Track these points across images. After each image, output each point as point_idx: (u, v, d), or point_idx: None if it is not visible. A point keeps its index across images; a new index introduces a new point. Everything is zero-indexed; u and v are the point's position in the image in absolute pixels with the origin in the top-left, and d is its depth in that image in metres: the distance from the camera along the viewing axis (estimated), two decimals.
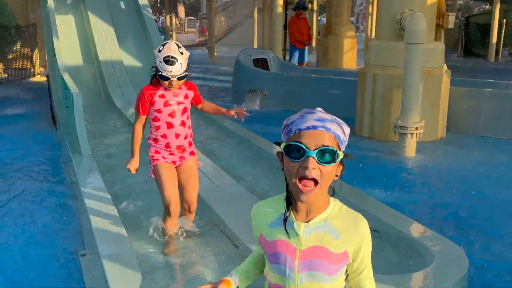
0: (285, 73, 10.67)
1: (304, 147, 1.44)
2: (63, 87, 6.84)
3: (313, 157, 1.44)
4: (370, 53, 7.63)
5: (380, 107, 7.28)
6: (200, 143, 6.15)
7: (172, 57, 3.33)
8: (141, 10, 10.43)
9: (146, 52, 9.83)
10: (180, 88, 3.53)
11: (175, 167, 3.66)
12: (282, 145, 1.50)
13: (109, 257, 3.11)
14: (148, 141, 3.65)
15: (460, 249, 3.21)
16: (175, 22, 23.82)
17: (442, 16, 7.44)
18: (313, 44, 18.53)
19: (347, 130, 1.53)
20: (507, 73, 12.78)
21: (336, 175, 1.53)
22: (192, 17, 37.14)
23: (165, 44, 3.42)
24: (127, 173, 3.69)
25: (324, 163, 1.45)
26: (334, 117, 1.52)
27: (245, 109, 3.85)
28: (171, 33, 21.80)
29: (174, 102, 3.52)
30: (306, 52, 12.57)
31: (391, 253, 3.54)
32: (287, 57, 13.23)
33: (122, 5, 10.73)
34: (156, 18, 25.98)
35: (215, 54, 19.22)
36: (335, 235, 1.53)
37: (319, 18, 23.32)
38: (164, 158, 3.60)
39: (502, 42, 16.99)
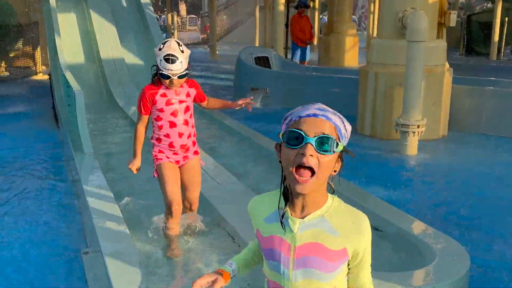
0: (287, 72, 10.67)
1: (303, 134, 1.42)
2: (65, 85, 6.85)
3: (312, 144, 1.41)
4: (372, 51, 7.63)
5: (382, 105, 7.28)
6: (201, 141, 6.16)
7: (172, 55, 3.29)
8: (142, 8, 10.44)
9: (148, 50, 9.83)
10: (181, 86, 3.49)
11: (179, 167, 3.64)
12: (281, 133, 1.47)
13: (112, 255, 3.11)
14: (151, 141, 3.62)
15: (461, 247, 3.21)
16: (177, 21, 23.82)
17: (444, 14, 7.43)
18: (315, 43, 18.52)
19: (348, 126, 1.51)
20: (509, 71, 12.76)
21: (335, 171, 1.50)
22: (193, 15, 37.15)
23: (165, 42, 3.38)
24: (129, 171, 3.69)
25: (323, 151, 1.42)
26: (337, 112, 1.51)
27: (251, 98, 3.81)
28: (172, 31, 21.79)
29: (176, 101, 3.49)
30: (308, 50, 12.56)
31: (392, 251, 3.54)
32: (289, 56, 13.22)
33: (124, 3, 10.74)
34: (158, 17, 25.98)
35: (217, 52, 19.22)
36: (333, 231, 1.49)
37: (320, 16, 23.29)
38: (168, 157, 3.57)
39: (504, 41, 16.96)
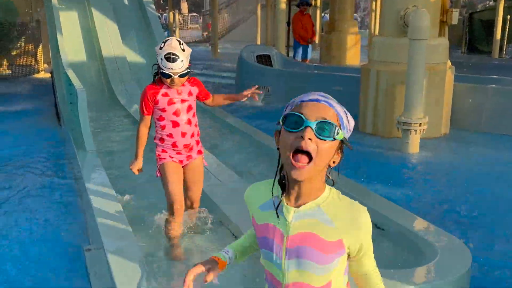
0: (289, 70, 10.67)
1: (303, 117, 1.39)
2: (67, 83, 6.87)
3: (312, 128, 1.38)
4: (374, 49, 7.62)
5: (384, 104, 7.28)
6: (203, 139, 6.16)
7: (173, 54, 3.24)
8: (144, 7, 10.45)
9: (150, 49, 9.84)
10: (183, 85, 3.44)
11: (182, 166, 3.60)
12: (281, 117, 1.44)
13: (114, 252, 3.12)
14: (154, 141, 3.58)
15: (463, 245, 3.21)
16: (178, 19, 23.83)
17: (446, 12, 7.43)
18: (316, 41, 18.52)
19: (351, 119, 1.48)
20: (511, 69, 12.74)
21: (334, 162, 1.46)
22: (195, 14, 37.14)
23: (166, 41, 3.33)
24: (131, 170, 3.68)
25: (322, 137, 1.38)
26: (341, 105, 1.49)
27: (256, 87, 3.74)
28: (174, 29, 21.79)
29: (178, 100, 3.44)
30: (310, 48, 12.55)
31: (394, 248, 3.55)
32: (291, 54, 13.22)
33: (126, 1, 10.75)
34: (159, 15, 25.97)
35: (218, 50, 19.21)
36: (329, 222, 1.45)
37: (322, 14, 23.26)
38: (171, 157, 3.53)
39: (506, 38, 16.93)
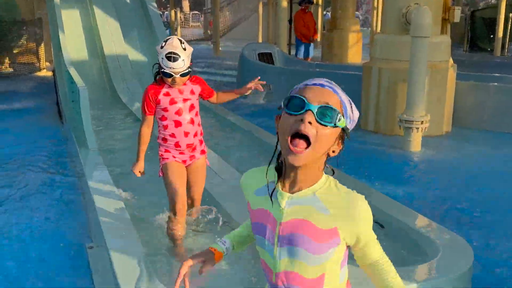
0: (290, 68, 10.67)
1: (305, 100, 1.35)
2: (69, 81, 6.87)
3: (313, 112, 1.34)
4: (376, 47, 7.62)
5: (385, 101, 7.28)
6: (205, 137, 6.17)
7: (174, 53, 3.20)
8: (146, 5, 10.46)
9: (151, 47, 9.84)
10: (185, 84, 3.40)
11: (186, 166, 3.56)
12: (284, 100, 1.40)
13: (117, 249, 3.13)
14: (157, 141, 3.54)
15: (465, 242, 3.21)
16: (180, 17, 23.80)
17: (448, 10, 7.42)
18: (318, 39, 18.52)
19: (356, 111, 1.44)
20: None
21: (334, 151, 1.42)
22: (196, 12, 37.12)
23: (167, 40, 3.27)
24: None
25: (323, 122, 1.34)
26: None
27: (258, 78, 3.68)
28: (176, 27, 21.78)
29: (180, 100, 3.39)
30: (311, 46, 12.55)
31: (396, 245, 3.55)
32: (292, 52, 13.21)
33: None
34: (161, 13, 25.98)
35: (220, 48, 19.21)
36: (323, 209, 1.40)
37: (324, 12, 23.24)
38: (174, 157, 3.49)
39: (508, 36, 16.91)
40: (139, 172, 3.54)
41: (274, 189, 1.45)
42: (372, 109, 7.44)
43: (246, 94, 3.70)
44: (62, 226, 4.27)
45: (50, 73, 12.16)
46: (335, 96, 1.39)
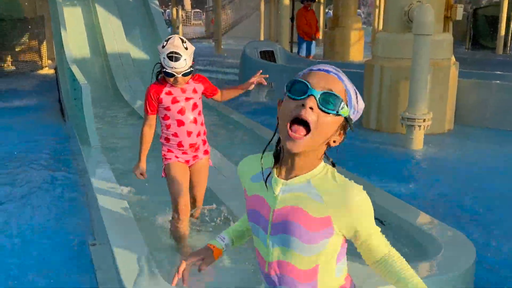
0: (292, 65, 10.66)
1: (309, 85, 1.30)
2: (71, 79, 6.88)
3: (315, 98, 1.29)
4: (377, 45, 7.61)
5: (387, 99, 7.27)
6: (207, 134, 6.18)
7: (176, 53, 3.15)
8: (148, 3, 10.46)
9: (153, 45, 9.84)
10: (187, 83, 3.36)
11: (188, 166, 3.53)
12: (286, 84, 1.35)
13: (120, 246, 3.14)
14: (160, 140, 3.51)
15: (467, 239, 3.22)
16: (181, 15, 23.77)
17: (451, 7, 7.41)
18: (320, 37, 18.51)
19: (361, 101, 1.40)
20: None
21: (334, 141, 1.37)
22: (198, 10, 37.09)
23: (169, 39, 3.22)
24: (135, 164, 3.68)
25: (325, 109, 1.30)
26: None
27: (260, 72, 3.64)
28: (177, 25, 21.77)
29: (182, 98, 3.35)
30: (313, 44, 12.54)
31: (398, 243, 3.55)
32: (294, 50, 13.20)
33: None
34: (163, 11, 25.95)
35: (222, 46, 19.20)
36: (317, 197, 1.35)
37: (326, 10, 23.22)
38: (177, 157, 3.45)
39: (510, 34, 16.86)
40: (140, 174, 3.48)
41: (269, 175, 1.41)
42: (374, 107, 7.43)
43: (250, 89, 3.67)
44: (65, 223, 4.28)
45: (52, 71, 12.17)
46: (340, 83, 1.34)
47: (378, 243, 1.43)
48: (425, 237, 3.35)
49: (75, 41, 9.51)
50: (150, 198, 4.45)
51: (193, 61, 3.31)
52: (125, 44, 9.84)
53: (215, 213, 3.93)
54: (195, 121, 3.42)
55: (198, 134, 3.47)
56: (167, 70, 3.21)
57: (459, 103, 7.56)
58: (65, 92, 8.08)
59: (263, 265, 1.46)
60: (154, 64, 3.46)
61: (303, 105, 1.29)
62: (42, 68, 13.71)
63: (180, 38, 3.25)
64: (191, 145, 3.45)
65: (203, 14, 34.95)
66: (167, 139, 3.45)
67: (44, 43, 13.83)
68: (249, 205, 1.48)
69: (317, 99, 1.29)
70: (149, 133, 3.42)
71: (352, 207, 1.33)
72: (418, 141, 6.46)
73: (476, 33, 18.34)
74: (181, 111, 3.36)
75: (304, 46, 12.36)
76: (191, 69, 3.27)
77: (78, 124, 6.28)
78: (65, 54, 7.98)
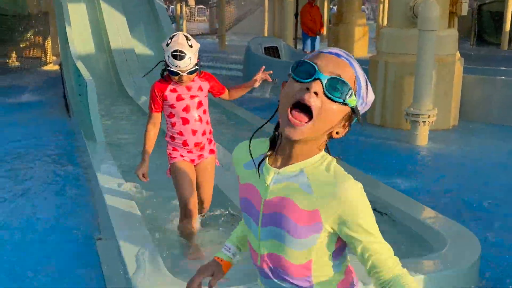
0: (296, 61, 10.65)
1: (316, 67, 1.18)
2: (76, 75, 6.90)
3: (321, 82, 1.17)
4: (382, 40, 7.60)
5: (392, 95, 7.26)
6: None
7: (180, 51, 3.09)
8: None
9: (158, 41, 9.87)
10: (193, 80, 3.31)
11: (194, 165, 3.48)
12: (292, 64, 1.24)
13: (126, 241, 3.15)
14: (165, 139, 3.48)
15: (472, 234, 3.22)
16: (185, 11, 23.79)
17: (455, 3, 7.39)
18: (324, 33, 18.48)
19: (371, 92, 1.28)
20: None
21: (338, 133, 1.25)
22: (202, 6, 37.06)
23: (173, 36, 3.15)
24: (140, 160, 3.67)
25: (332, 95, 1.18)
26: None
27: (263, 69, 3.59)
28: (181, 21, 21.77)
29: (187, 96, 3.30)
30: (318, 40, 12.53)
31: (402, 238, 3.56)
32: (299, 46, 13.19)
33: None
34: (167, 7, 25.95)
35: (226, 42, 19.20)
36: (307, 187, 1.24)
37: (330, 6, 23.17)
38: (182, 156, 3.41)
39: None
40: (142, 175, 3.38)
41: (261, 162, 1.30)
42: (378, 103, 7.43)
43: (255, 87, 3.64)
44: (71, 218, 4.30)
45: (57, 67, 12.20)
46: (351, 69, 1.21)
47: (385, 256, 1.26)
48: (430, 232, 3.36)
49: (79, 37, 9.54)
50: (155, 193, 4.46)
51: (198, 58, 3.25)
52: (129, 40, 9.86)
53: (221, 209, 3.92)
54: (200, 119, 3.37)
55: (204, 133, 3.42)
56: (171, 69, 3.16)
57: (463, 99, 7.54)
58: (70, 88, 8.11)
59: (256, 258, 1.39)
60: (159, 60, 3.42)
61: (307, 89, 1.18)
62: (46, 64, 13.74)
63: (184, 35, 3.19)
64: (196, 144, 3.40)
65: (207, 10, 34.93)
66: (173, 138, 3.42)
67: (49, 39, 13.85)
68: (242, 193, 1.39)
69: (323, 84, 1.18)
70: (153, 131, 3.37)
71: (344, 201, 1.20)
72: (422, 137, 6.45)
73: (481, 29, 18.27)
74: (186, 109, 3.32)
75: (308, 42, 12.35)
76: (196, 67, 3.22)
77: (83, 120, 6.30)
78: (70, 50, 8.01)
